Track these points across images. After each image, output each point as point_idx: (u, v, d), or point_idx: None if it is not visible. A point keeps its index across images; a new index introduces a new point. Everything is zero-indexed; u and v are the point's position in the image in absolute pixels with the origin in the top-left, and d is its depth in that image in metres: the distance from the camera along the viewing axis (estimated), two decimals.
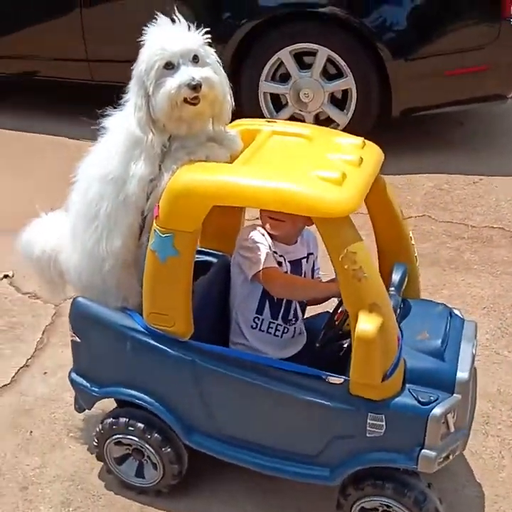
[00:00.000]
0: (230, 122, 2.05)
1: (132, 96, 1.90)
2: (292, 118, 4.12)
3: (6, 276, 3.21)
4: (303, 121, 4.09)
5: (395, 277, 2.03)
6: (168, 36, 1.86)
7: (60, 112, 4.62)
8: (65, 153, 4.07)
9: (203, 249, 2.34)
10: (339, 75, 3.99)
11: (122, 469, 2.22)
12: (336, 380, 1.88)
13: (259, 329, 2.11)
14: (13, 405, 2.55)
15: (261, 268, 2.01)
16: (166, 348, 2.01)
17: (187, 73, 1.82)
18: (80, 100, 4.15)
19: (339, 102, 4.08)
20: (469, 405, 1.98)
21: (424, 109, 4.11)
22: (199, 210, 1.87)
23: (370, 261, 1.82)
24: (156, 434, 2.10)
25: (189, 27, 1.89)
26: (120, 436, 2.15)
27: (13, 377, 2.68)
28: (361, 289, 1.78)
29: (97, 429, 2.19)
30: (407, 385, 1.88)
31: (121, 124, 1.93)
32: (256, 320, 2.10)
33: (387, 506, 1.96)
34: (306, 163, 1.92)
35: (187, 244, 1.90)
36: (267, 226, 2.08)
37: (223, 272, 2.25)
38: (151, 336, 2.02)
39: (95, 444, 2.21)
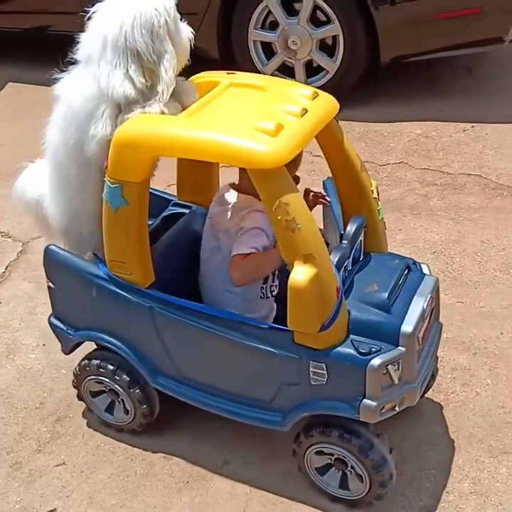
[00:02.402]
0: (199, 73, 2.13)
1: (123, 60, 1.91)
2: (283, 66, 4.16)
3: None
4: (293, 69, 4.14)
5: (349, 230, 2.03)
6: None
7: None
8: None
9: (179, 202, 2.41)
10: (328, 21, 3.99)
11: (95, 403, 2.35)
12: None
13: (266, 296, 2.17)
14: None
15: (234, 253, 2.02)
16: (126, 295, 2.09)
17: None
18: None
19: (331, 49, 4.07)
20: (422, 359, 1.98)
21: (415, 56, 4.05)
22: (142, 160, 1.92)
23: (305, 212, 1.83)
24: (124, 376, 2.22)
25: None
26: (93, 377, 2.28)
27: None
28: (295, 240, 1.80)
29: (74, 371, 2.33)
30: (351, 336, 1.90)
31: (76, 88, 1.97)
32: (263, 290, 2.15)
33: (344, 457, 2.00)
34: (249, 114, 1.92)
35: (135, 194, 1.95)
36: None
37: (193, 223, 2.32)
38: (113, 283, 2.10)
39: (74, 384, 2.36)
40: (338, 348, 1.90)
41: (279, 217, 1.80)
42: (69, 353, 2.37)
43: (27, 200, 2.32)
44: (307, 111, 1.89)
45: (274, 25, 4.13)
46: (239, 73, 2.17)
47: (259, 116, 1.86)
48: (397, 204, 3.44)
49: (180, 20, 2.02)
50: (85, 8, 2.00)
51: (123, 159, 1.92)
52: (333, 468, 2.08)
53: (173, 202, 2.42)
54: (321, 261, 1.82)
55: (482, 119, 4.05)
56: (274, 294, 2.19)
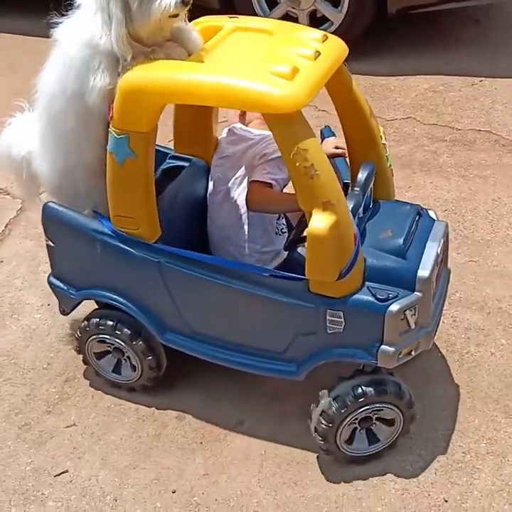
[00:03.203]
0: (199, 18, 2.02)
1: (101, 8, 1.80)
2: (286, 16, 4.02)
3: None
4: (296, 20, 4.00)
5: (360, 176, 1.99)
6: None
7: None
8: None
9: (177, 154, 2.33)
10: None
11: (101, 365, 2.32)
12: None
13: (280, 233, 2.18)
14: None
15: (254, 179, 2.04)
16: (132, 250, 2.03)
17: None
18: None
19: None
20: (435, 304, 1.97)
21: (422, 7, 3.95)
22: (151, 108, 1.84)
23: (323, 158, 1.78)
24: (125, 330, 2.16)
25: None
26: (94, 336, 2.23)
27: None
28: (314, 187, 1.75)
29: (75, 335, 2.28)
30: (367, 283, 1.88)
31: (73, 34, 1.87)
32: (277, 226, 2.17)
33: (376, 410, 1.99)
34: (260, 58, 1.86)
35: (143, 145, 1.88)
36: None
37: (195, 176, 2.26)
38: (118, 239, 2.03)
39: (77, 349, 2.31)
40: (356, 296, 1.87)
41: (297, 164, 1.75)
42: (68, 313, 2.32)
43: (13, 157, 2.22)
44: (320, 54, 1.83)
45: None
46: (242, 17, 2.08)
47: (272, 60, 1.80)
48: (406, 160, 3.36)
49: None
50: None
51: (130, 108, 1.83)
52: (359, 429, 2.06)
53: (170, 155, 2.35)
54: (339, 208, 1.78)
55: (491, 74, 3.95)
56: (283, 232, 2.19)
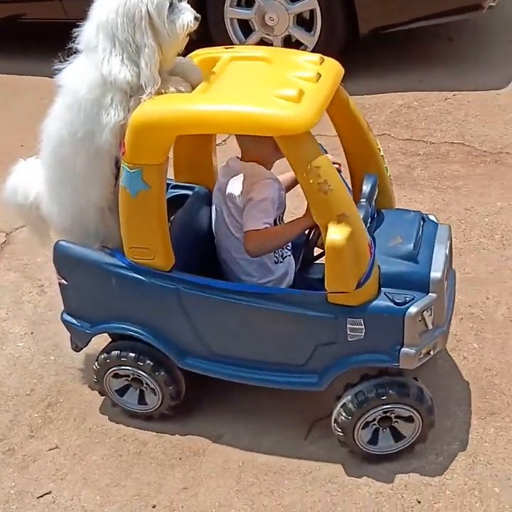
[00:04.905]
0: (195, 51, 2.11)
1: (121, 46, 1.88)
2: (261, 43, 4.11)
3: None
4: (271, 45, 4.07)
5: (365, 188, 2.06)
6: None
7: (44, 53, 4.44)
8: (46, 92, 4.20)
9: (178, 183, 2.37)
10: None
11: (125, 400, 2.32)
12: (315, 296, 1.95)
13: (281, 260, 2.18)
14: None
15: (248, 229, 2.05)
16: (149, 280, 2.05)
17: (189, 8, 1.96)
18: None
19: (309, 23, 4.04)
20: (446, 304, 2.04)
21: (394, 26, 4.03)
22: (163, 141, 1.89)
23: (335, 173, 1.87)
24: (148, 361, 2.18)
25: None
26: (115, 368, 2.24)
27: None
28: (328, 202, 1.83)
29: (94, 367, 2.29)
30: (383, 289, 1.95)
31: (81, 78, 1.93)
32: (276, 254, 2.17)
33: (385, 412, 2.04)
34: (264, 84, 1.94)
35: (156, 176, 1.92)
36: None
37: (199, 203, 2.31)
38: (134, 270, 2.06)
39: (95, 380, 2.32)
40: (375, 302, 1.94)
41: (311, 181, 1.83)
42: (81, 349, 2.34)
43: (20, 203, 2.26)
44: (321, 75, 1.92)
45: (250, 2, 4.10)
46: (237, 47, 2.19)
47: (277, 85, 1.88)
48: None
49: (180, 1, 1.97)
50: None
51: (143, 142, 1.88)
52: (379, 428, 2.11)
53: (172, 184, 2.38)
54: (353, 219, 1.86)
55: (464, 87, 4.04)
56: (285, 257, 2.22)
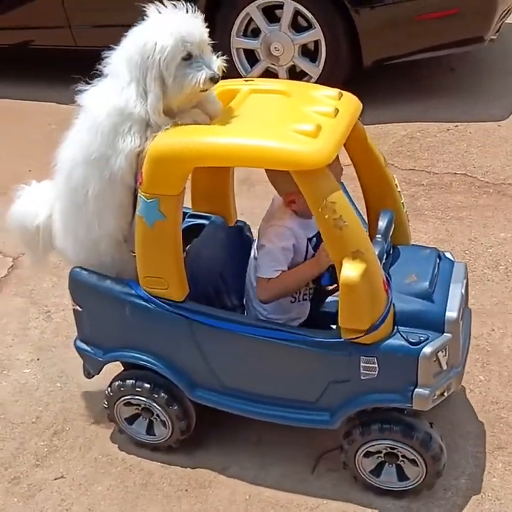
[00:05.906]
0: None
1: (136, 81, 1.90)
2: (266, 72, 4.19)
3: None
4: (276, 75, 4.16)
5: (381, 224, 2.05)
6: (184, 25, 1.88)
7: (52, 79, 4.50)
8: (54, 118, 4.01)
9: (195, 212, 2.37)
10: (309, 26, 4.03)
11: (134, 429, 2.31)
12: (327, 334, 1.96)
13: (298, 301, 2.17)
14: None
15: (260, 276, 2.06)
16: (163, 310, 2.04)
17: (210, 67, 1.90)
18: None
19: (314, 54, 4.11)
20: (461, 344, 2.02)
21: (397, 58, 4.10)
22: (180, 172, 1.90)
23: (350, 209, 1.87)
24: (162, 393, 2.17)
25: (191, 10, 1.92)
26: (128, 397, 2.23)
27: None
28: (343, 237, 1.83)
29: (106, 392, 2.28)
30: (398, 327, 1.93)
31: (102, 102, 1.93)
32: (294, 294, 2.15)
33: (391, 448, 2.03)
34: (282, 118, 1.94)
35: (173, 207, 1.92)
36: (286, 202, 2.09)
37: (215, 233, 2.31)
38: (147, 300, 2.06)
39: (105, 406, 2.30)
40: (389, 341, 1.92)
41: (326, 217, 1.83)
42: (93, 376, 2.34)
43: (27, 228, 2.25)
44: (339, 111, 1.93)
45: (256, 33, 4.17)
46: (256, 79, 2.21)
47: (295, 119, 1.89)
48: None
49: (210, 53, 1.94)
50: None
51: (161, 173, 1.89)
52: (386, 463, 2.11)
53: (189, 213, 2.38)
54: (368, 256, 1.85)
55: (465, 118, 4.09)
56: (307, 298, 2.20)
